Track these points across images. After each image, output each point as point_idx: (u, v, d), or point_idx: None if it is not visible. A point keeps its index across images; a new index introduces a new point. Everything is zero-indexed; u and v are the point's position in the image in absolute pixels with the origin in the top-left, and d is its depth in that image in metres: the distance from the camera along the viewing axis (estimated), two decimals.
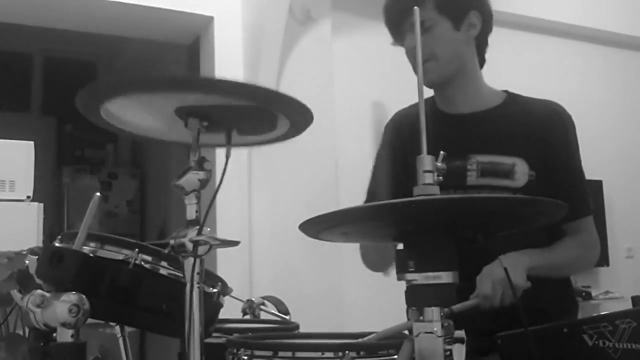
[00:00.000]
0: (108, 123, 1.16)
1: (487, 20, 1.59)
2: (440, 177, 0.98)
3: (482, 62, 1.63)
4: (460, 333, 0.98)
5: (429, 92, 1.60)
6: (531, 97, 1.62)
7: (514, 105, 1.59)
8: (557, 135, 1.53)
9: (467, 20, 1.55)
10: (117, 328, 1.47)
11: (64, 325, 1.03)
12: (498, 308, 1.35)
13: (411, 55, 1.56)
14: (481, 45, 1.61)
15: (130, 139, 4.80)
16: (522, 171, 1.51)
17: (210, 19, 3.68)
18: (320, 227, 0.98)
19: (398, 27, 1.56)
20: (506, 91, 1.63)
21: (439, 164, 0.98)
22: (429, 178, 0.97)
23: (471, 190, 1.51)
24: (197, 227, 1.05)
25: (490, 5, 1.60)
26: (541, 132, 1.53)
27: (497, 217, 1.00)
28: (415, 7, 1.02)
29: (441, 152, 1.00)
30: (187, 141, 1.11)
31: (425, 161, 0.98)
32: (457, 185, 1.52)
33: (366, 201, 1.64)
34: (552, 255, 1.50)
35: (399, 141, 1.58)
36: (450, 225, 0.98)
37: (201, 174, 1.07)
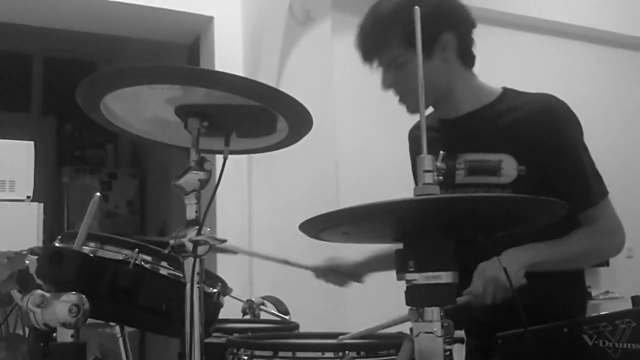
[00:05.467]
0: (107, 120, 1.16)
1: (464, 33, 1.55)
2: (440, 177, 0.98)
3: (471, 62, 1.59)
4: (460, 333, 0.98)
5: None
6: (527, 92, 1.58)
7: (505, 101, 1.56)
8: (546, 129, 1.49)
9: (438, 45, 1.50)
10: (117, 328, 1.47)
11: (64, 325, 1.03)
12: (499, 309, 1.34)
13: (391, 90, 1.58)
14: (465, 53, 1.56)
15: (130, 139, 4.80)
16: (509, 167, 1.49)
17: (210, 19, 3.68)
18: (320, 227, 0.98)
19: (370, 64, 1.58)
20: (504, 87, 1.61)
21: (438, 164, 0.98)
22: (428, 178, 0.97)
23: (459, 189, 1.52)
24: (197, 227, 1.05)
25: (465, 16, 1.55)
26: (530, 126, 1.49)
27: (497, 216, 1.00)
28: (416, 7, 1.01)
29: (441, 152, 1.00)
30: (186, 144, 1.11)
31: (425, 161, 0.98)
32: (446, 185, 1.51)
33: None
34: (559, 248, 1.46)
35: (411, 152, 1.73)
36: (450, 225, 0.98)
37: (201, 174, 1.07)
